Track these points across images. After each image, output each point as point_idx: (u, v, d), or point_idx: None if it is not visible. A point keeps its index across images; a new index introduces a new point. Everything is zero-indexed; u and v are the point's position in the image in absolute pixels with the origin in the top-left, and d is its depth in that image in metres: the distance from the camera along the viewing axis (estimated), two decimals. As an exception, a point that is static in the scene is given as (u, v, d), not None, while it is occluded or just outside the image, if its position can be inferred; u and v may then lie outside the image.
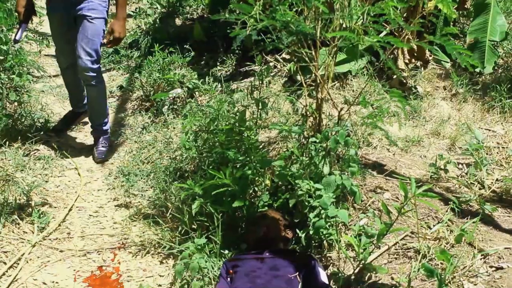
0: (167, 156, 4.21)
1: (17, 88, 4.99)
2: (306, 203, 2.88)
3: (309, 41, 3.05)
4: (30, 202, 3.54)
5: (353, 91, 4.80)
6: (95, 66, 4.12)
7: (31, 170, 3.97)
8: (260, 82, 3.71)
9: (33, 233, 3.28)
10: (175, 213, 3.28)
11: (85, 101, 4.56)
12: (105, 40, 4.02)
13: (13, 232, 3.27)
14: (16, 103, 4.80)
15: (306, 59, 3.08)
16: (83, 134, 4.83)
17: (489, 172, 3.56)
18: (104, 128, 4.50)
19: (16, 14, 4.10)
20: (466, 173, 3.56)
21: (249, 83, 4.33)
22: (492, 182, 3.45)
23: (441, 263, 2.63)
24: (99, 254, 3.21)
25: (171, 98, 5.03)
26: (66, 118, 4.89)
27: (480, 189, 3.37)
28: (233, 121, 3.37)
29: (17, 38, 3.89)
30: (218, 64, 5.87)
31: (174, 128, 4.69)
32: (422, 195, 2.37)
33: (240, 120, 3.26)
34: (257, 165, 3.13)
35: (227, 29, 5.70)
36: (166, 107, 4.99)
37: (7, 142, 4.18)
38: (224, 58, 5.92)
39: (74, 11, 4.05)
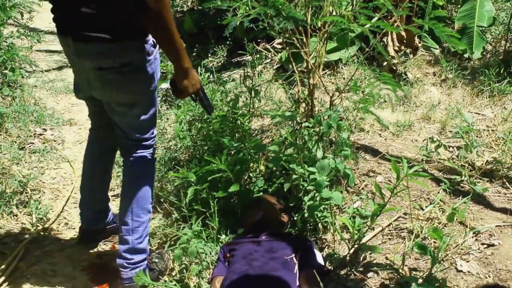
0: (161, 146, 4.24)
1: (10, 83, 5.01)
2: (301, 187, 2.93)
3: (300, 28, 3.10)
4: (27, 194, 3.57)
5: (344, 78, 4.85)
6: None
7: (27, 163, 4.00)
8: (253, 70, 3.75)
9: (31, 224, 3.32)
10: (171, 200, 3.32)
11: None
12: None
13: (11, 223, 3.30)
14: (9, 98, 4.83)
15: (298, 45, 3.12)
16: (77, 127, 4.85)
17: (479, 154, 3.62)
18: None
19: None
20: (457, 156, 3.62)
21: (241, 73, 4.37)
22: (482, 164, 3.50)
23: (434, 242, 2.69)
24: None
25: (163, 89, 5.06)
26: None
27: (470, 170, 3.42)
28: (227, 108, 3.41)
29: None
30: (209, 55, 5.90)
31: (167, 119, 4.73)
32: (414, 175, 2.42)
33: (234, 107, 3.30)
34: (252, 151, 3.18)
35: (218, 21, 5.76)
36: (158, 98, 5.02)
37: (2, 136, 4.21)
38: (215, 49, 5.95)
39: None
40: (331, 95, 3.27)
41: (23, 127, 4.46)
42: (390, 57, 4.89)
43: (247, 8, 2.86)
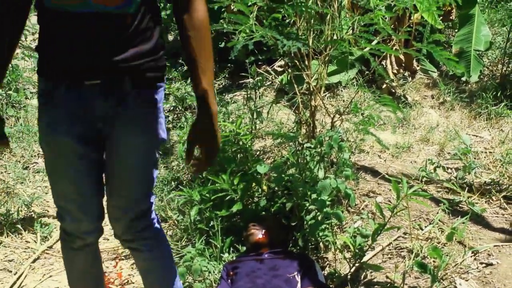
0: (164, 167, 4.29)
1: (14, 104, 5.08)
2: (303, 207, 2.98)
3: (302, 51, 3.17)
4: (31, 213, 3.61)
5: (343, 101, 4.93)
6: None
7: (31, 182, 4.05)
8: (255, 91, 3.81)
9: (36, 242, 3.35)
10: (174, 220, 3.37)
11: None
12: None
13: (16, 241, 3.34)
14: (13, 118, 4.89)
15: (300, 67, 3.20)
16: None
17: (477, 175, 3.68)
18: None
19: None
20: (455, 177, 3.67)
21: (243, 94, 4.43)
22: (480, 185, 3.56)
23: (434, 261, 2.73)
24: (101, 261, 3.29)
25: (166, 110, 5.13)
26: None
27: (469, 191, 3.48)
28: (230, 128, 3.46)
29: None
30: (210, 77, 5.97)
31: (170, 139, 4.78)
32: (414, 195, 2.47)
33: (237, 127, 3.35)
34: (254, 171, 3.22)
35: (219, 43, 5.85)
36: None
37: (6, 156, 4.26)
38: (217, 71, 6.03)
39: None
40: (332, 116, 3.34)
41: (27, 147, 4.51)
42: (390, 78, 4.97)
43: (249, 31, 2.92)
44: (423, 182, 3.60)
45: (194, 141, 1.82)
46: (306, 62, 3.23)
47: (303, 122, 3.41)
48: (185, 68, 5.84)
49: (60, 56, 1.76)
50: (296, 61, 3.24)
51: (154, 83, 1.91)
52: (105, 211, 2.08)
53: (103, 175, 2.03)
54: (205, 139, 1.81)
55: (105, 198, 2.07)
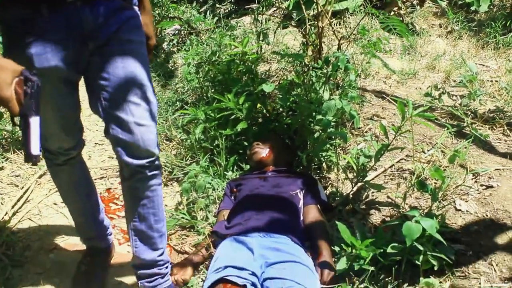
0: (169, 89, 4.29)
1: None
2: (307, 127, 2.99)
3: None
4: (36, 131, 3.63)
5: (350, 28, 4.87)
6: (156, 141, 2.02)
7: (36, 100, 4.05)
8: (262, 13, 3.76)
9: (42, 159, 3.38)
10: (179, 139, 3.39)
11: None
12: None
13: (22, 158, 3.38)
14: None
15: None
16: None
17: (482, 103, 3.68)
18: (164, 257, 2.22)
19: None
20: (460, 104, 3.67)
21: (250, 16, 4.37)
22: (484, 112, 3.56)
23: (435, 183, 2.77)
24: (106, 178, 3.33)
25: (171, 34, 5.08)
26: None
27: (473, 118, 3.48)
28: (236, 48, 3.44)
29: (32, 151, 1.49)
30: (216, 2, 5.89)
31: (174, 63, 4.76)
32: (419, 116, 2.47)
33: (244, 46, 3.32)
34: (260, 91, 3.22)
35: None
36: (166, 42, 5.05)
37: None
38: (222, -4, 5.95)
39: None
40: (339, 39, 3.31)
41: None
42: (399, 4, 4.91)
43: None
44: (428, 108, 3.60)
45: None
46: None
47: (310, 44, 3.37)
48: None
49: None
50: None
51: None
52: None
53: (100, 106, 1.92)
54: (150, 30, 2.11)
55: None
